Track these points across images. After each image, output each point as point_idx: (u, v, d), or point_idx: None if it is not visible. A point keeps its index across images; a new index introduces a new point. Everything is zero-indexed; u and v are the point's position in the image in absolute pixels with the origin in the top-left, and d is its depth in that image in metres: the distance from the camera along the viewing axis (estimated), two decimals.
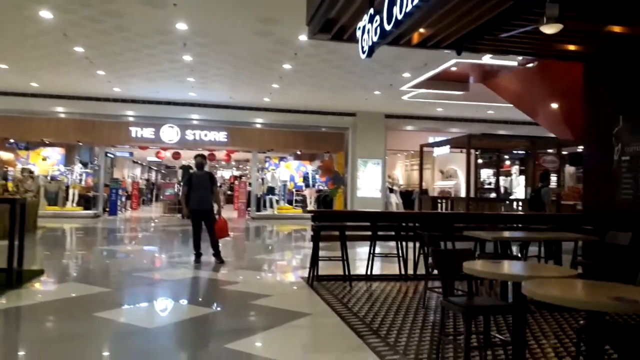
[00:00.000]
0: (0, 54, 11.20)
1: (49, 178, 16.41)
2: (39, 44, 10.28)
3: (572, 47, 6.55)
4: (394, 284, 6.12)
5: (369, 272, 6.29)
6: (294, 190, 19.15)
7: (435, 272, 4.84)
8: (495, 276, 2.74)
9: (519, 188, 17.47)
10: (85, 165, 17.61)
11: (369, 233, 6.34)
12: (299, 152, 20.35)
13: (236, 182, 24.32)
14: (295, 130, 17.88)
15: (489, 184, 19.77)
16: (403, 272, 6.29)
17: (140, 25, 9.11)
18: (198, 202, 7.64)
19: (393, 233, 6.37)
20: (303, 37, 9.54)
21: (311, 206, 18.39)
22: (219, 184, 8.56)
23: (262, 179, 19.60)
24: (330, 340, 4.01)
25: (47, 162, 17.00)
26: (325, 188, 18.67)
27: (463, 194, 19.10)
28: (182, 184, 18.08)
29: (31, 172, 15.26)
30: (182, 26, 9.10)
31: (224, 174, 39.67)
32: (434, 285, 5.25)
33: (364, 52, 4.73)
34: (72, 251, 9.66)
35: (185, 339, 4.12)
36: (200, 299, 5.81)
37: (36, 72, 12.91)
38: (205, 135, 17.25)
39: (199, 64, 11.88)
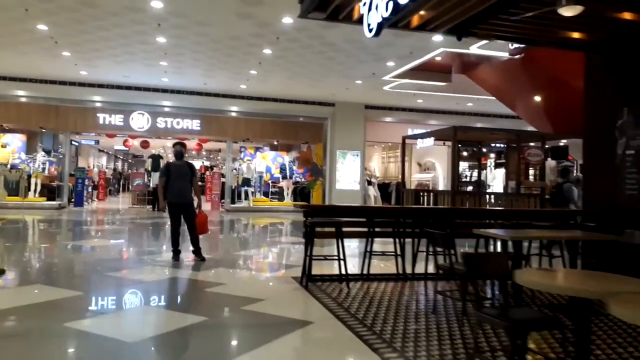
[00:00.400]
0: None
1: (8, 166, 15.35)
2: None
3: (576, 35, 6.24)
4: (394, 284, 5.71)
5: (364, 272, 5.87)
6: (270, 182, 18.57)
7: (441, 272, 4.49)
8: (572, 292, 2.31)
9: (495, 181, 17.41)
10: (48, 153, 16.58)
11: (365, 229, 5.90)
12: (275, 143, 19.78)
13: (207, 173, 23.55)
14: (272, 119, 17.30)
15: (466, 177, 19.70)
16: (401, 271, 5.89)
17: (110, 1, 8.38)
18: (177, 195, 7.02)
19: (390, 229, 5.93)
20: (287, 20, 9.02)
21: (288, 198, 17.89)
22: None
23: (237, 170, 18.96)
24: (342, 356, 3.57)
25: (6, 149, 15.89)
26: (303, 180, 18.20)
27: (441, 187, 18.98)
28: (150, 173, 17.37)
29: None
30: (157, 4, 8.41)
31: (194, 164, 38.53)
32: (435, 286, 4.88)
33: (370, 30, 4.26)
34: (35, 247, 8.87)
35: (173, 356, 3.60)
36: (184, 305, 5.19)
37: None
38: (178, 123, 16.49)
39: (174, 47, 11.17)
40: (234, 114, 17.01)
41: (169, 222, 7.43)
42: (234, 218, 15.05)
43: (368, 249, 5.84)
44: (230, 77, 14.24)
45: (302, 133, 17.86)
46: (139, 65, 12.98)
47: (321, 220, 5.77)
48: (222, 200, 18.08)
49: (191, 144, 23.68)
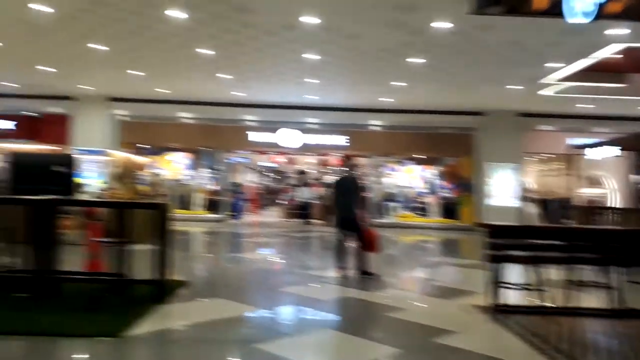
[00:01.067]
0: (136, 61, 11.44)
1: (176, 182, 16.89)
2: (167, 47, 10.26)
3: None
4: (607, 321, 4.76)
5: (562, 304, 4.97)
6: (415, 197, 17.86)
7: None
8: None
9: None
10: (211, 169, 17.97)
11: (563, 254, 5.01)
12: (420, 156, 19.07)
13: None
14: (416, 132, 16.72)
15: None
16: (613, 305, 4.87)
17: (266, 20, 8.61)
18: (345, 210, 6.93)
19: (592, 255, 4.96)
20: (440, 25, 8.44)
21: (435, 215, 17.01)
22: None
23: (381, 185, 18.61)
24: None
25: (175, 166, 17.57)
26: (451, 195, 17.19)
27: (614, 204, 16.54)
28: (297, 188, 17.88)
29: (160, 175, 15.79)
30: (311, 20, 8.43)
31: (360, 180, 39.12)
32: None
33: (586, 14, 3.52)
34: (208, 258, 9.53)
35: None
36: (370, 332, 4.87)
37: (166, 78, 13.17)
38: (324, 138, 16.71)
39: (322, 63, 11.21)
40: (378, 128, 16.77)
41: (324, 236, 7.34)
42: (380, 234, 14.65)
43: (567, 278, 4.95)
44: (375, 90, 14.01)
45: (449, 145, 16.95)
46: (287, 83, 13.36)
47: (514, 242, 5.03)
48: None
49: (332, 158, 24.04)
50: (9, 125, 16.43)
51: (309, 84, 13.38)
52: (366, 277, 6.78)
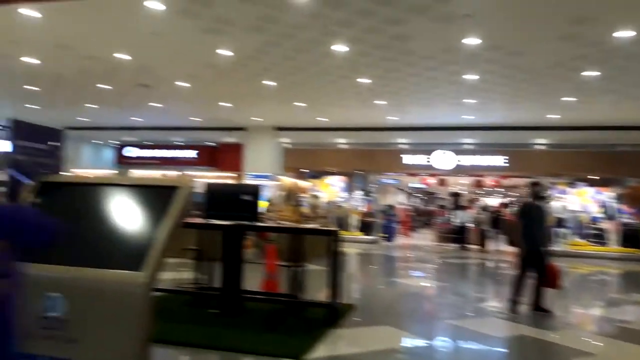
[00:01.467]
0: (300, 94, 12.37)
1: (333, 204, 17.65)
2: (330, 79, 10.90)
3: None
4: None
5: None
6: (589, 222, 16.08)
7: None
8: None
9: None
10: (364, 192, 18.44)
11: None
12: (594, 177, 17.19)
13: (505, 210, 22.12)
14: (589, 150, 15.13)
15: None
16: None
17: (425, 46, 8.66)
18: (536, 241, 6.43)
19: None
20: (620, 34, 7.61)
21: (614, 243, 15.09)
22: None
23: (549, 209, 17.14)
24: None
25: (331, 189, 18.42)
26: (633, 221, 15.12)
27: None
28: (451, 211, 17.37)
29: (320, 198, 16.68)
30: (471, 41, 8.26)
31: (487, 201, 37.23)
32: None
33: None
34: (368, 281, 9.69)
35: None
36: None
37: (325, 107, 13.95)
38: (481, 160, 16.04)
39: (481, 82, 10.87)
40: (542, 147, 15.58)
41: (483, 264, 6.98)
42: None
43: None
44: (539, 107, 13.08)
45: (628, 165, 15.02)
46: (442, 105, 13.18)
47: None
48: None
49: (488, 180, 22.91)
50: (193, 154, 18.86)
51: (466, 105, 13.04)
52: (540, 313, 6.25)
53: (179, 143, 19.23)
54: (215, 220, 5.62)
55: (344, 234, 16.24)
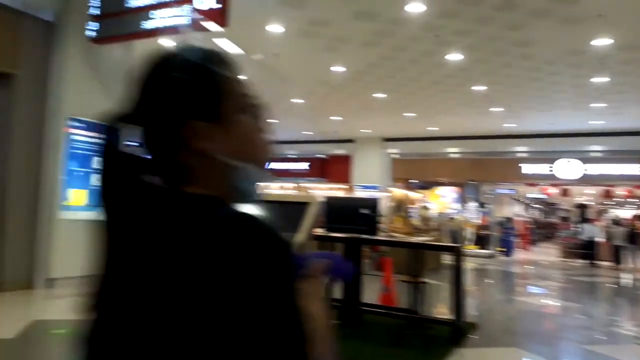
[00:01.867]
0: (411, 104, 12.29)
1: (444, 216, 17.17)
2: (443, 88, 10.71)
3: None
4: None
5: None
6: None
7: None
8: None
9: None
10: (479, 204, 17.71)
11: None
12: None
13: None
14: None
15: None
16: None
17: (548, 50, 8.17)
18: None
19: None
20: None
21: None
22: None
23: None
24: None
25: (442, 200, 17.95)
26: None
27: None
28: (578, 224, 15.94)
29: (429, 209, 16.37)
30: (602, 42, 7.64)
31: (618, 213, 33.74)
32: None
33: None
34: (488, 298, 9.23)
35: None
36: None
37: (436, 116, 13.70)
38: (611, 168, 14.63)
39: (613, 85, 9.96)
40: None
41: (618, 282, 6.33)
42: None
43: None
44: None
45: None
46: (567, 110, 12.28)
47: None
48: None
49: (619, 190, 20.76)
50: (305, 166, 19.53)
51: (594, 109, 12.02)
52: None
53: (292, 156, 20.04)
54: (335, 233, 5.76)
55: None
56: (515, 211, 30.51)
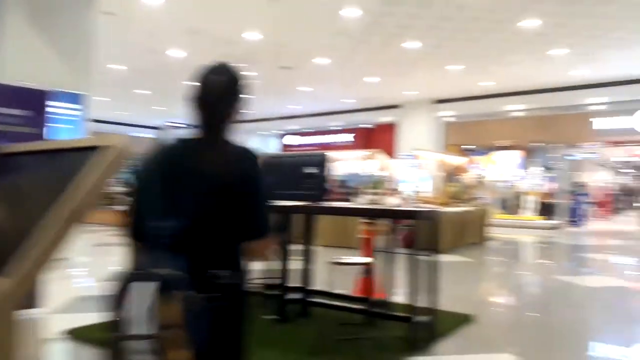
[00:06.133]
0: (452, 53, 10.52)
1: (504, 183, 15.21)
2: (486, 27, 8.89)
3: None
4: None
5: None
6: None
7: None
8: None
9: None
10: (546, 168, 15.51)
11: None
12: None
13: None
14: None
15: None
16: None
17: None
18: None
19: None
20: None
21: None
22: None
23: None
24: None
25: (502, 166, 15.90)
26: None
27: None
28: None
29: (483, 177, 14.51)
30: None
31: None
32: None
33: None
34: (523, 280, 7.51)
35: None
36: None
37: (487, 67, 11.76)
38: None
39: None
40: None
41: None
42: None
43: None
44: None
45: None
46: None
47: None
48: None
49: None
50: (349, 137, 18.18)
51: None
52: None
53: (337, 128, 18.76)
54: (278, 202, 4.18)
55: (517, 218, 13.84)
56: (596, 177, 27.31)
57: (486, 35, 9.34)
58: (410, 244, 7.90)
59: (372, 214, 4.94)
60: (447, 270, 5.63)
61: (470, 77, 12.73)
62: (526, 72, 12.19)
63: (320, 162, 3.95)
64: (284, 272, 4.47)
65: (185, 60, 10.94)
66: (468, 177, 11.92)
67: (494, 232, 12.08)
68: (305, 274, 4.67)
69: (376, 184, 8.83)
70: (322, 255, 5.05)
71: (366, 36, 9.32)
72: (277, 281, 4.50)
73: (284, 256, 4.46)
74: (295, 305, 4.51)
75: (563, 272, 7.73)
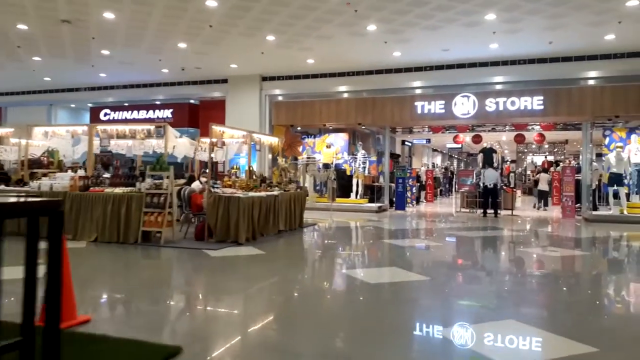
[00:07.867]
0: (259, 20, 9.36)
1: (327, 165, 14.71)
2: None
3: None
4: None
5: None
6: None
7: None
8: None
9: None
10: (373, 152, 15.39)
11: None
12: None
13: (552, 169, 18.75)
14: None
15: None
16: None
17: None
18: None
19: None
20: None
21: None
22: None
23: (599, 163, 13.73)
24: None
25: (330, 149, 15.42)
26: None
27: None
28: (481, 170, 14.07)
29: (295, 160, 13.86)
30: None
31: (534, 159, 33.28)
32: None
33: None
34: (290, 281, 6.73)
35: None
36: None
37: (302, 39, 10.90)
38: (512, 103, 12.59)
39: None
40: (592, 82, 12.07)
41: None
42: (600, 233, 10.16)
43: None
44: (590, 28, 9.66)
45: None
46: (458, 28, 9.93)
47: None
48: (578, 205, 13.27)
49: (530, 135, 19.30)
50: (168, 114, 16.44)
51: (488, 27, 9.71)
52: None
53: (157, 103, 16.79)
54: None
55: (341, 201, 13.49)
56: (431, 163, 28.96)
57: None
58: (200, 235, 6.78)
59: None
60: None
61: (293, 53, 11.89)
62: (344, 49, 11.62)
63: None
64: None
65: None
66: (282, 160, 11.02)
67: (316, 217, 11.45)
68: None
69: (159, 164, 7.35)
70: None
71: None
72: None
73: None
74: None
75: (351, 265, 6.95)
